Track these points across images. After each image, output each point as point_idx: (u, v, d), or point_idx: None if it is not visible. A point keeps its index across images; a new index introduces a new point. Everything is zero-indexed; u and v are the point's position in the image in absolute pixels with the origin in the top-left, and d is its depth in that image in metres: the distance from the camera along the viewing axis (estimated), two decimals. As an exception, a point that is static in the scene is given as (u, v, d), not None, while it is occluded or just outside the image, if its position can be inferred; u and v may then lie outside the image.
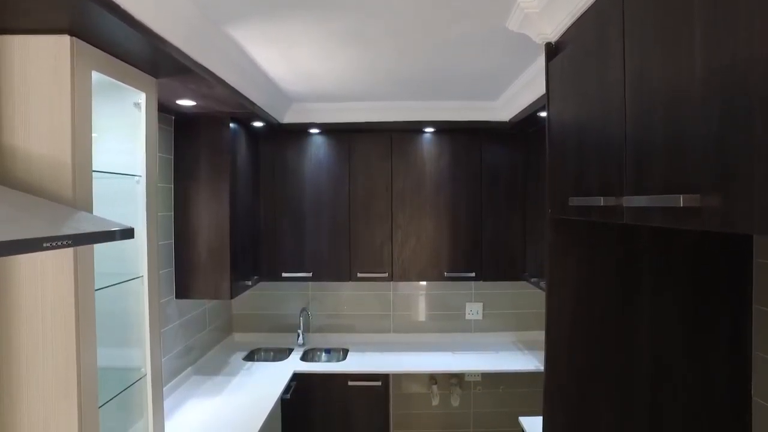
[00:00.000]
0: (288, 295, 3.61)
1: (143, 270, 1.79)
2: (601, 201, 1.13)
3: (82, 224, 1.19)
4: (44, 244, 1.00)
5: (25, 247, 0.96)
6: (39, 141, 1.34)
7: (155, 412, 1.85)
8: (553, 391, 1.56)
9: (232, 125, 2.69)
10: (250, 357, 3.32)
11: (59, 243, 1.04)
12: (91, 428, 1.41)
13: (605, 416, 1.55)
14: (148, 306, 1.80)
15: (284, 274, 3.25)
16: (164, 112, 2.51)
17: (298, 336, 3.50)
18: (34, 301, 1.33)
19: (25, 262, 1.33)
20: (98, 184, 1.48)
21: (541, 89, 2.28)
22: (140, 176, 1.79)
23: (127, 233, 1.34)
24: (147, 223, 1.79)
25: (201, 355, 3.01)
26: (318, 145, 3.26)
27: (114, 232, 1.27)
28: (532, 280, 3.02)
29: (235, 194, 2.75)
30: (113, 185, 1.75)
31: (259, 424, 2.27)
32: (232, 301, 3.58)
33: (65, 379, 1.34)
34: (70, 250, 1.33)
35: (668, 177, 0.90)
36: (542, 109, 2.48)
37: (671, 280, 1.53)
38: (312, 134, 3.26)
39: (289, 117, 3.05)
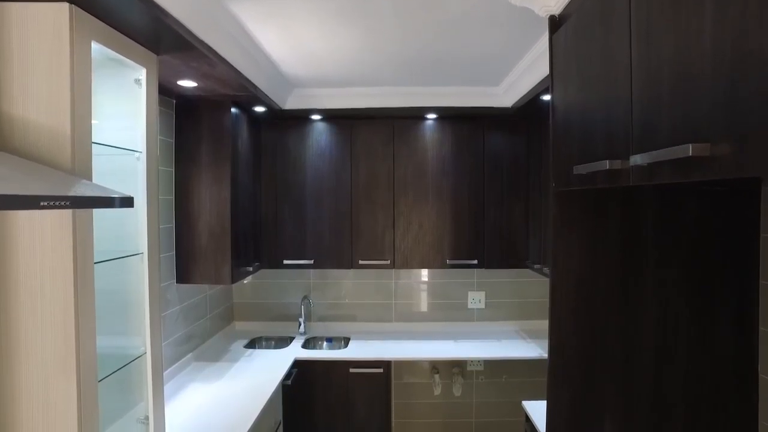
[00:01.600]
0: (289, 284, 3.60)
1: (143, 247, 1.78)
2: (606, 164, 1.11)
3: (81, 189, 1.18)
4: (41, 203, 0.99)
5: (22, 203, 0.95)
6: (37, 110, 1.33)
7: (155, 393, 1.84)
8: (558, 368, 1.54)
9: (233, 110, 2.68)
10: (251, 345, 3.31)
11: (57, 203, 1.03)
12: (90, 401, 1.40)
13: (609, 394, 1.53)
14: (149, 283, 1.78)
15: (285, 262, 3.24)
16: (165, 95, 2.50)
17: (300, 325, 3.49)
18: (32, 270, 1.31)
19: (23, 228, 1.31)
20: (99, 161, 1.46)
21: (542, 71, 2.28)
22: (141, 152, 1.77)
23: (127, 201, 1.33)
24: (147, 200, 1.78)
25: (201, 342, 2.99)
26: (320, 131, 3.25)
27: (113, 198, 1.26)
28: (535, 266, 3.00)
29: (236, 179, 2.74)
30: (114, 162, 1.74)
31: (260, 407, 2.26)
32: (233, 289, 3.57)
33: (64, 349, 1.33)
34: (69, 219, 1.32)
35: (676, 133, 0.88)
36: (545, 92, 2.47)
37: (676, 256, 1.51)
38: (314, 121, 3.24)
39: (290, 103, 3.03)
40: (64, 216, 1.32)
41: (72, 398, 1.35)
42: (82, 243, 1.35)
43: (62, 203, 1.04)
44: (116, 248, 1.76)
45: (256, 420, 2.16)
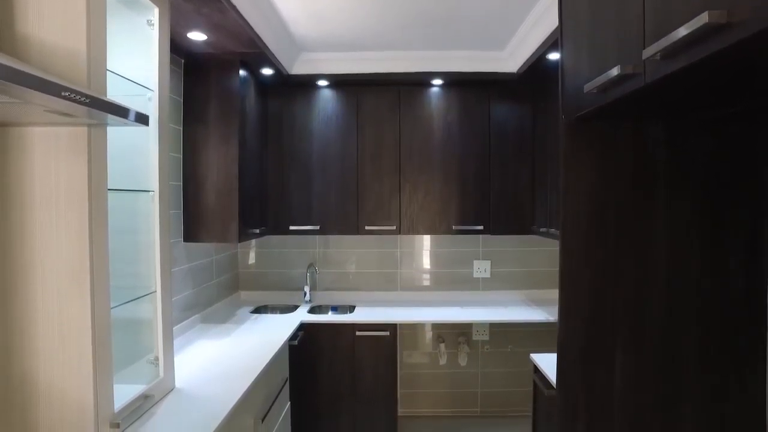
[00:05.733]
0: (294, 253, 3.61)
1: (154, 185, 1.80)
2: (617, 69, 1.11)
3: (99, 96, 1.19)
4: (63, 93, 1.00)
5: (46, 87, 0.96)
6: (53, 31, 1.34)
7: (164, 333, 1.85)
8: (570, 299, 1.54)
9: (241, 72, 2.69)
10: (257, 312, 3.32)
11: (77, 97, 1.04)
12: (103, 322, 1.41)
13: (620, 326, 1.53)
14: (159, 221, 1.80)
15: (292, 227, 3.25)
16: (174, 53, 2.51)
17: (305, 294, 3.50)
18: (47, 184, 1.33)
19: (38, 144, 1.33)
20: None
21: (549, 25, 2.29)
22: (152, 91, 1.79)
23: (143, 118, 1.35)
24: (159, 139, 1.80)
25: (207, 307, 3.00)
26: (326, 99, 3.26)
27: (129, 110, 1.27)
28: (542, 230, 3.00)
29: (243, 140, 2.75)
30: (127, 102, 1.75)
31: (268, 358, 2.26)
32: (239, 258, 3.58)
33: (79, 264, 1.34)
34: (83, 137, 1.33)
35: (691, 9, 0.89)
36: (551, 49, 2.48)
37: (687, 188, 1.52)
38: (320, 88, 3.25)
39: (297, 68, 3.05)
40: (78, 134, 1.33)
41: (86, 317, 1.36)
42: (96, 160, 1.36)
43: (82, 99, 1.06)
44: (128, 186, 1.77)
45: (264, 368, 2.16)
